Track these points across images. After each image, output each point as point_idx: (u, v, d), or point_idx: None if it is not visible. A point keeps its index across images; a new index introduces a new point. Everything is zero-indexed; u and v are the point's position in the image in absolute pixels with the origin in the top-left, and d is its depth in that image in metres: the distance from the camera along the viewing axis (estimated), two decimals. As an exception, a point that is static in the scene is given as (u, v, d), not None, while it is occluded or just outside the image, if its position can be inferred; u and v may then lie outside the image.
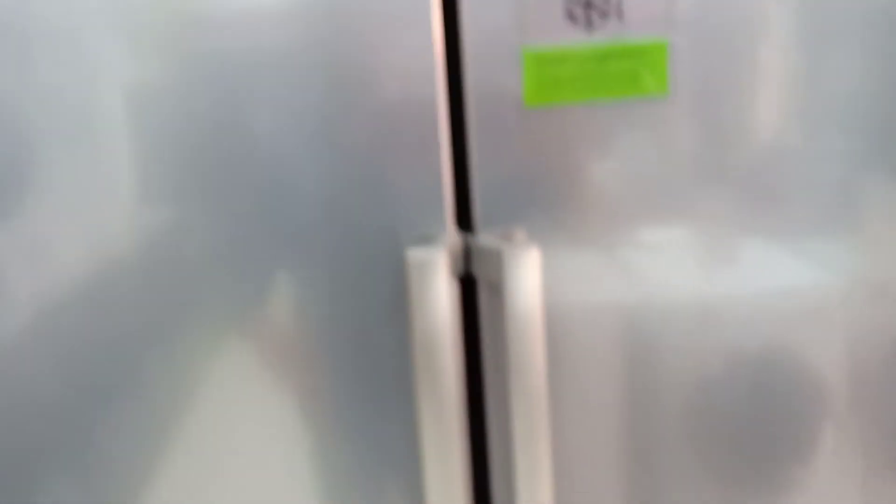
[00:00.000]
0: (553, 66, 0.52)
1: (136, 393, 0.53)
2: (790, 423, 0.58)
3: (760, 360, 0.56)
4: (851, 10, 0.53)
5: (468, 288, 0.58)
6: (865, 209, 0.55)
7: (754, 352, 0.56)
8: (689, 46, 0.53)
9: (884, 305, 0.57)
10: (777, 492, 0.59)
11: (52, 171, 0.50)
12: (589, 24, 0.52)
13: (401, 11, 0.50)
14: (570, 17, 0.52)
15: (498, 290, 0.53)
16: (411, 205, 0.53)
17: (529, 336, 0.50)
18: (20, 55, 0.48)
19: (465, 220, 0.56)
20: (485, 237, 0.54)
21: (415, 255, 0.47)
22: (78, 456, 0.54)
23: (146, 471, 0.54)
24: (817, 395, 0.57)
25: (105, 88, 0.50)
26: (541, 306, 0.50)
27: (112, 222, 0.51)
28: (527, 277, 0.49)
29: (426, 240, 0.53)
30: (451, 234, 0.53)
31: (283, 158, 0.51)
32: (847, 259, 0.55)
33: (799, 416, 0.58)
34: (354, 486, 0.56)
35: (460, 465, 0.50)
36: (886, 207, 0.55)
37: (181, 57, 0.50)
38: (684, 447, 0.58)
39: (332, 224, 0.52)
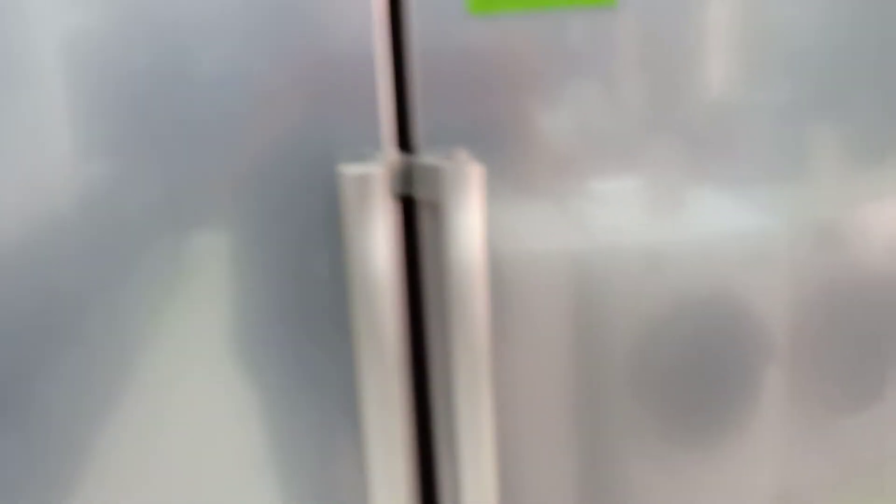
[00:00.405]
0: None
1: (78, 351, 0.50)
2: (735, 366, 0.58)
3: (706, 304, 0.56)
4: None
5: (410, 215, 0.55)
6: (809, 157, 0.55)
7: (700, 296, 0.56)
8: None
9: (826, 250, 0.57)
10: (723, 435, 0.59)
11: None
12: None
13: None
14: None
15: (439, 211, 0.51)
16: (348, 124, 0.50)
17: (471, 259, 0.47)
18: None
19: (407, 142, 0.53)
20: (426, 157, 0.51)
21: (349, 170, 0.44)
22: (18, 415, 0.50)
23: (89, 428, 0.51)
24: (762, 339, 0.58)
25: (38, 36, 0.45)
26: (483, 227, 0.47)
27: (48, 177, 0.47)
28: (469, 195, 0.47)
29: (363, 159, 0.50)
30: (389, 152, 0.50)
31: (224, 103, 0.47)
32: (791, 206, 0.56)
33: (744, 360, 0.58)
34: (296, 428, 0.54)
35: (401, 403, 0.48)
36: (829, 155, 0.55)
37: (121, 4, 0.45)
38: (631, 392, 0.57)
39: (271, 157, 0.49)
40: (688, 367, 0.57)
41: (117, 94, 0.46)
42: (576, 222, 0.54)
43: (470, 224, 0.47)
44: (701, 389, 0.58)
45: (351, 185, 0.44)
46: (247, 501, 0.54)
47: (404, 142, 0.53)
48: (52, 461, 0.52)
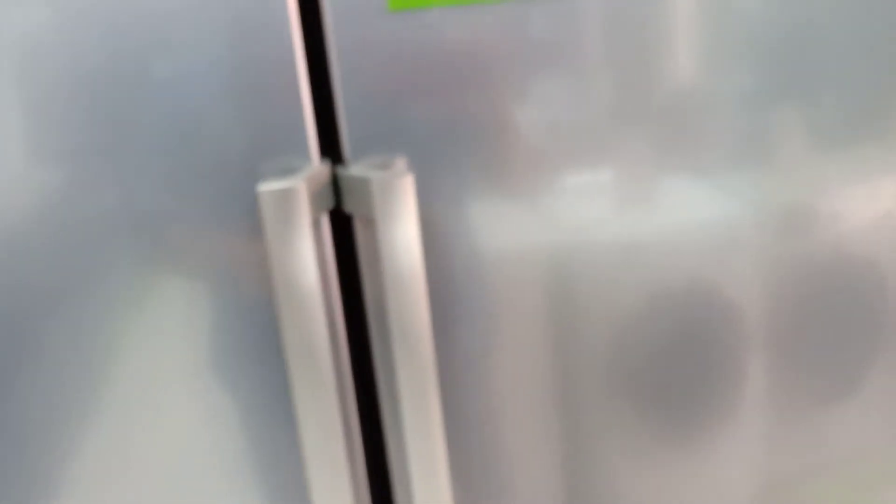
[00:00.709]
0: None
1: (39, 364, 0.47)
2: (714, 357, 0.57)
3: (682, 295, 0.55)
4: None
5: (347, 229, 0.52)
6: (776, 144, 0.54)
7: (676, 287, 0.55)
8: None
9: (797, 236, 0.56)
10: (704, 427, 0.58)
11: None
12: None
13: None
14: None
15: (371, 224, 0.48)
16: (272, 136, 0.46)
17: (406, 274, 0.44)
18: None
19: (338, 152, 0.50)
20: (356, 167, 0.48)
21: (267, 186, 0.41)
22: None
23: (57, 437, 0.49)
24: (740, 328, 0.57)
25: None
26: (417, 239, 0.44)
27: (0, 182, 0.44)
28: (400, 206, 0.44)
29: (287, 172, 0.47)
30: (314, 163, 0.47)
31: (178, 104, 0.44)
32: (761, 192, 0.55)
33: (723, 350, 0.57)
34: (268, 436, 0.51)
35: (337, 423, 0.45)
36: (796, 141, 0.55)
37: (70, 5, 0.42)
38: (611, 386, 0.56)
39: (202, 168, 0.45)
40: (667, 359, 0.56)
41: (69, 98, 0.44)
42: (545, 218, 0.52)
43: (403, 237, 0.44)
44: (681, 382, 0.57)
45: (269, 201, 0.41)
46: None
47: (336, 150, 0.50)
48: (23, 469, 0.49)
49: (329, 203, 0.48)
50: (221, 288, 0.48)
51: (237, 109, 0.46)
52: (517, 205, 0.52)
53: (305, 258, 0.42)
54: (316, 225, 0.48)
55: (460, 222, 0.51)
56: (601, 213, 0.53)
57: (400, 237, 0.44)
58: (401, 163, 0.50)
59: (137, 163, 0.45)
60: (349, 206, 0.48)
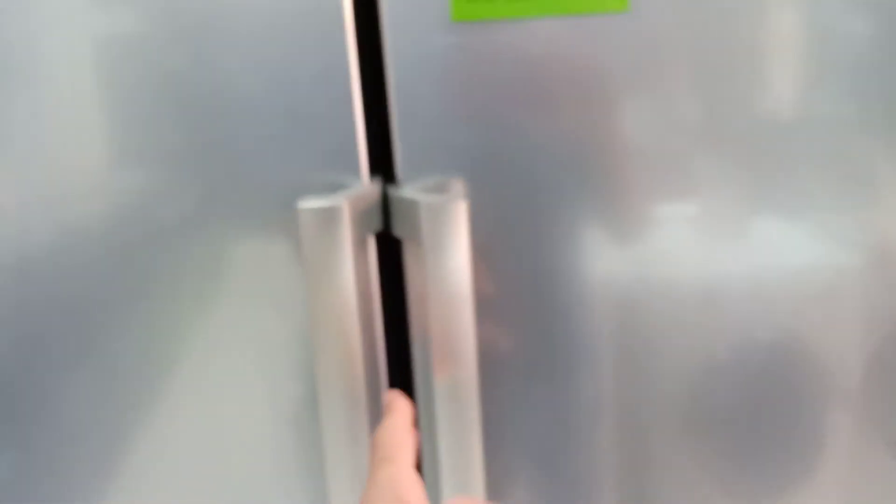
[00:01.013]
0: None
1: (101, 360, 0.46)
2: (800, 410, 0.52)
3: (768, 343, 0.50)
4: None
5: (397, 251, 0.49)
6: (882, 180, 0.48)
7: (762, 335, 0.50)
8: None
9: None
10: (786, 484, 0.53)
11: (10, 131, 0.43)
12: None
13: None
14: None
15: (419, 249, 0.44)
16: (323, 150, 0.44)
17: (453, 308, 0.41)
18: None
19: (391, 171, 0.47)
20: (409, 189, 0.45)
21: (307, 203, 0.38)
22: (36, 429, 0.47)
23: (113, 437, 0.48)
24: (829, 381, 0.51)
25: (72, 41, 0.42)
26: (467, 269, 0.41)
27: (80, 184, 0.44)
28: (449, 234, 0.40)
29: (335, 190, 0.44)
30: (363, 181, 0.44)
31: (250, 115, 0.43)
32: (865, 235, 0.49)
33: (809, 403, 0.52)
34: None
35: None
36: None
37: (155, 9, 0.42)
38: (684, 436, 0.51)
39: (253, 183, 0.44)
40: (747, 410, 0.52)
41: (151, 103, 0.43)
42: (621, 250, 0.48)
43: (451, 266, 0.40)
44: (761, 435, 0.52)
45: (308, 220, 0.38)
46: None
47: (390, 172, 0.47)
48: (75, 471, 0.48)
49: (376, 225, 0.45)
50: (279, 298, 0.46)
51: (290, 120, 0.44)
52: (589, 236, 0.47)
53: (343, 280, 0.39)
54: (360, 246, 0.45)
55: (524, 251, 0.47)
56: (685, 248, 0.48)
57: (448, 266, 0.40)
58: (458, 186, 0.47)
59: (206, 169, 0.44)
60: (397, 229, 0.45)
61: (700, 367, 0.50)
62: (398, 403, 0.39)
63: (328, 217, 0.38)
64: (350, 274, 0.39)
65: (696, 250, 0.48)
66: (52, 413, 0.47)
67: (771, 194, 0.48)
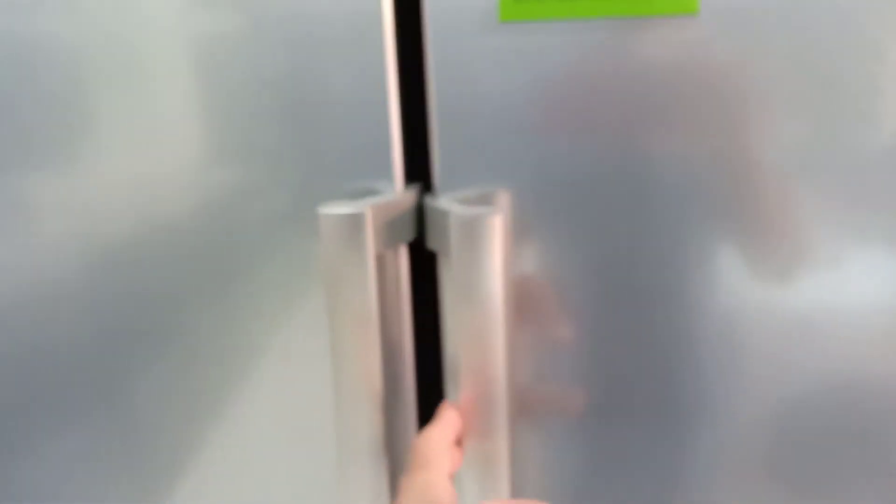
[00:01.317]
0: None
1: (184, 353, 0.47)
2: (888, 454, 0.47)
3: (860, 382, 0.46)
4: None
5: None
6: None
7: (853, 372, 0.46)
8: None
9: None
10: None
11: (108, 127, 0.44)
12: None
13: None
14: None
15: (451, 262, 0.41)
16: (359, 155, 0.42)
17: (483, 327, 0.37)
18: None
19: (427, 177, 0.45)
20: (446, 198, 0.43)
21: (328, 210, 0.36)
22: (112, 422, 0.48)
23: (192, 430, 0.48)
24: None
25: (167, 39, 0.42)
26: (500, 290, 0.38)
27: (172, 181, 0.44)
28: (479, 248, 0.37)
29: (369, 195, 0.42)
30: (396, 188, 0.42)
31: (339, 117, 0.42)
32: None
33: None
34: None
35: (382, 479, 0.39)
36: None
37: (252, 11, 0.42)
38: (767, 471, 0.47)
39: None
40: (832, 449, 0.47)
41: (245, 102, 0.43)
42: (707, 275, 0.44)
43: (481, 283, 0.37)
44: (847, 476, 0.47)
45: (328, 227, 0.36)
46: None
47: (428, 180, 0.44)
48: (152, 461, 0.49)
49: (408, 234, 0.42)
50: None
51: (327, 121, 0.42)
52: (651, 258, 0.43)
53: (363, 288, 0.37)
54: (388, 255, 0.43)
55: (569, 267, 0.44)
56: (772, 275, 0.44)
57: (477, 283, 0.37)
58: (503, 198, 0.44)
59: (294, 168, 0.43)
60: (430, 241, 0.43)
61: (780, 400, 0.46)
62: (447, 415, 0.38)
63: (350, 224, 0.36)
64: (370, 283, 0.36)
65: (784, 277, 0.44)
66: (128, 408, 0.47)
67: (866, 223, 0.43)
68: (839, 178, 0.43)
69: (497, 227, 0.37)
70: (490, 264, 0.37)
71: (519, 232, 0.44)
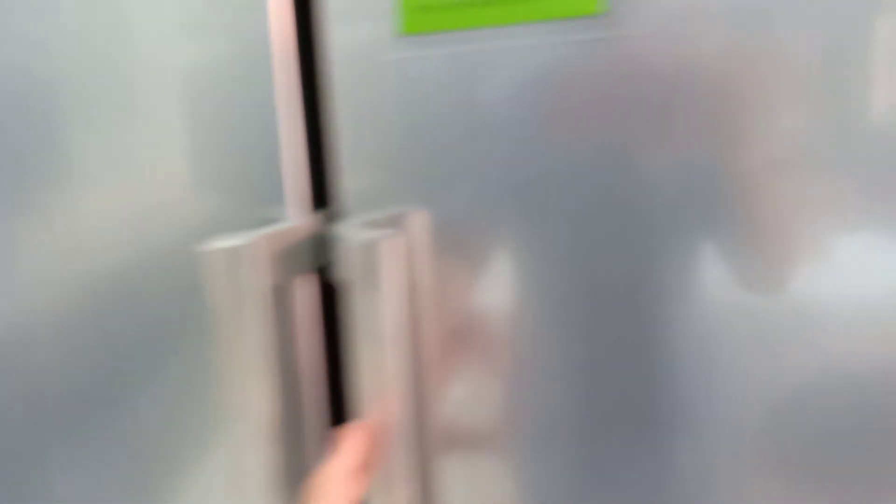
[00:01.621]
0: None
1: (182, 377, 0.45)
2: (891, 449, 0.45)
3: (862, 375, 0.45)
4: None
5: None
6: None
7: (855, 365, 0.44)
8: None
9: None
10: None
11: (95, 156, 0.43)
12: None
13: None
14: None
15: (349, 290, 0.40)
16: (252, 182, 0.41)
17: (379, 363, 0.36)
18: (56, 24, 0.41)
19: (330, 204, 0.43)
20: (347, 225, 0.41)
21: (210, 245, 0.35)
22: (113, 440, 0.47)
23: (193, 455, 0.47)
24: None
25: (157, 69, 0.42)
26: (399, 313, 0.36)
27: (161, 211, 0.43)
28: (374, 275, 0.35)
29: (266, 224, 0.40)
30: (294, 216, 0.40)
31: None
32: None
33: None
34: None
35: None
36: None
37: (240, 41, 0.40)
38: (766, 468, 0.46)
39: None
40: (834, 445, 0.45)
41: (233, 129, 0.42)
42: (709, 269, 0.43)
43: (377, 312, 0.36)
44: (848, 474, 0.45)
45: (211, 262, 0.34)
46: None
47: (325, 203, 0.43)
48: (151, 481, 0.48)
49: (307, 265, 0.41)
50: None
51: (237, 150, 0.40)
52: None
53: (251, 323, 0.35)
54: (293, 286, 0.41)
55: (500, 284, 0.42)
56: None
57: (373, 310, 0.36)
58: (418, 219, 0.42)
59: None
60: (336, 269, 0.41)
61: (782, 395, 0.44)
62: (346, 445, 0.36)
63: (230, 258, 0.34)
64: (257, 317, 0.35)
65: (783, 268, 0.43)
66: (128, 426, 0.47)
67: (868, 212, 0.42)
68: (832, 175, 0.41)
69: (394, 251, 0.36)
70: (386, 290, 0.36)
71: (454, 251, 0.42)
